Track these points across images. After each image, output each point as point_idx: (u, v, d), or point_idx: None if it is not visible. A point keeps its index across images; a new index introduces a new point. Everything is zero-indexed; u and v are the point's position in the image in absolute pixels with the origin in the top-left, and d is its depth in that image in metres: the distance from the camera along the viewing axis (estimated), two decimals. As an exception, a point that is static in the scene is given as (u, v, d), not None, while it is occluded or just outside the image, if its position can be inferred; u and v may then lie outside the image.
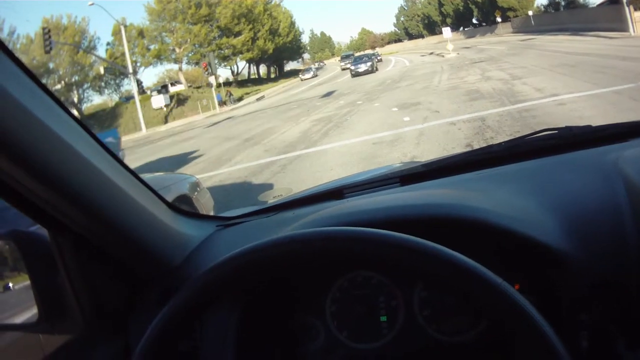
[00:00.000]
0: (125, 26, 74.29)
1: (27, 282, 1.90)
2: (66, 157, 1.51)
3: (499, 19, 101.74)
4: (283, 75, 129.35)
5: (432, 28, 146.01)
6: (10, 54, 1.40)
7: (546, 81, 22.42)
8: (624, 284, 1.46)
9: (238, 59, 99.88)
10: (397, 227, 1.44)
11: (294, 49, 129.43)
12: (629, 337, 1.42)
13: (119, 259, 1.87)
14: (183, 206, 6.93)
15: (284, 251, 1.44)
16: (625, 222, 1.56)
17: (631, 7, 45.58)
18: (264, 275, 1.61)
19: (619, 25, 45.80)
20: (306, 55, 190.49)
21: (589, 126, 2.36)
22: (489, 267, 1.26)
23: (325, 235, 1.43)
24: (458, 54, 59.43)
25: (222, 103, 75.64)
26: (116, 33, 77.81)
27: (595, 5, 75.22)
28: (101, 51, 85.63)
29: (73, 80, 78.11)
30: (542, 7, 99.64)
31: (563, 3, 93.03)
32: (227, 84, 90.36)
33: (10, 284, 2.07)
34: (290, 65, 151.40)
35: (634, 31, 43.25)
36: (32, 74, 1.46)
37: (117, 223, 1.73)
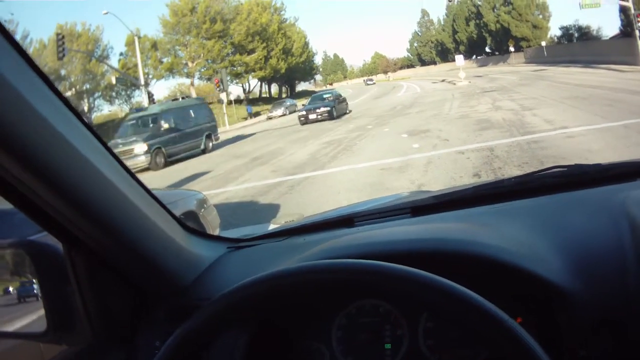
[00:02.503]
0: (139, 37, 74.20)
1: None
2: (85, 172, 1.53)
3: (512, 49, 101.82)
4: (294, 95, 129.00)
5: (444, 55, 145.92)
6: (38, 71, 1.45)
7: (556, 113, 22.46)
8: (623, 323, 1.47)
9: (250, 76, 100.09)
10: (407, 260, 1.47)
11: (306, 70, 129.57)
12: None
13: (130, 274, 1.90)
14: (189, 222, 6.94)
15: (296, 281, 1.47)
16: (628, 262, 1.56)
17: (644, 40, 45.61)
18: (277, 303, 1.64)
19: (631, 58, 45.88)
20: (318, 77, 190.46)
21: (599, 164, 2.37)
22: (494, 300, 1.28)
23: (337, 267, 1.46)
24: (470, 82, 59.41)
25: (251, 115, 76.20)
26: (130, 44, 77.78)
27: (608, 38, 75.44)
28: (114, 61, 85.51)
29: (84, 88, 78.08)
30: (555, 37, 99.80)
31: (576, 35, 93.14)
32: (238, 101, 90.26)
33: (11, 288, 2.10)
34: (302, 86, 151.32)
35: (646, 64, 43.22)
36: (53, 85, 1.51)
37: (131, 240, 1.75)
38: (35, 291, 1.94)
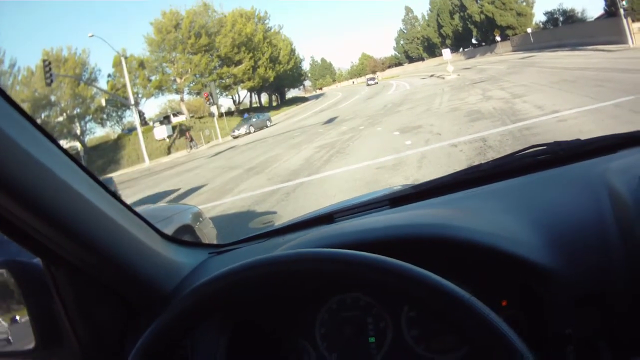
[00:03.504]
0: (126, 57, 74.27)
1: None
2: (57, 189, 1.54)
3: (498, 38, 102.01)
4: (285, 103, 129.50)
5: (432, 50, 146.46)
6: (4, 96, 1.45)
7: (546, 98, 22.47)
8: (609, 298, 1.47)
9: (239, 88, 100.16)
10: (384, 248, 1.48)
11: (295, 77, 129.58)
12: (615, 350, 1.43)
13: (112, 287, 1.89)
14: (186, 236, 6.94)
15: (264, 272, 1.48)
16: (609, 234, 1.56)
17: (629, 19, 45.77)
18: (247, 295, 1.63)
19: (618, 37, 45.98)
20: (307, 82, 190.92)
21: (577, 140, 2.37)
22: (474, 285, 1.27)
23: (300, 256, 1.46)
24: (458, 75, 59.60)
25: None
26: (117, 64, 77.80)
27: (593, 19, 75.60)
28: (102, 83, 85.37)
29: (75, 112, 77.82)
30: (540, 23, 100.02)
31: (561, 19, 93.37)
32: (228, 113, 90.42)
33: (17, 317, 2.06)
34: (291, 93, 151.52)
35: (632, 43, 43.40)
36: (22, 109, 1.50)
37: (109, 252, 1.75)
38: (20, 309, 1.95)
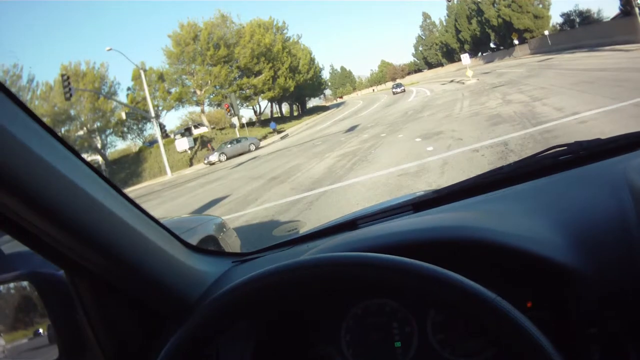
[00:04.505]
0: (145, 70, 74.28)
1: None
2: (81, 201, 1.55)
3: (516, 41, 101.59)
4: (305, 112, 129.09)
5: (450, 55, 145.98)
6: (27, 111, 1.47)
7: (566, 100, 22.31)
8: (633, 296, 1.46)
9: (260, 98, 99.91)
10: (407, 252, 1.49)
11: (315, 86, 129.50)
12: None
13: (136, 297, 1.90)
14: (210, 247, 6.93)
15: (287, 278, 1.49)
16: (632, 231, 1.56)
17: (644, 17, 45.44)
18: (273, 302, 1.65)
19: (634, 36, 45.81)
20: (327, 91, 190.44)
21: (598, 139, 2.37)
22: (499, 286, 1.30)
23: (323, 261, 1.48)
24: (478, 79, 59.37)
25: (276, 131, 75.48)
26: (136, 78, 78.18)
27: (609, 19, 75.03)
28: (122, 96, 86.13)
29: (95, 126, 78.19)
30: (557, 25, 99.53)
31: (578, 20, 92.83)
32: (250, 124, 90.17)
33: (41, 330, 2.07)
34: (312, 102, 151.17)
35: (649, 41, 43.05)
36: (44, 123, 1.52)
37: (131, 262, 1.75)
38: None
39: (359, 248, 1.87)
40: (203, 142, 74.46)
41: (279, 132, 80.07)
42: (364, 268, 1.40)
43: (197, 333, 1.53)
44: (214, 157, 63.69)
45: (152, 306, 1.94)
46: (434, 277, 1.32)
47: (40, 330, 2.05)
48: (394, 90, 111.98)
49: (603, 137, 2.46)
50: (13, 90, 1.43)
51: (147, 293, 1.89)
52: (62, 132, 69.84)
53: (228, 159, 61.23)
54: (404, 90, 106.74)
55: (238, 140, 66.31)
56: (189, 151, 73.31)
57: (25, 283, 2.00)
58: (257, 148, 63.12)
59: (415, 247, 1.82)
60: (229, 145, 64.93)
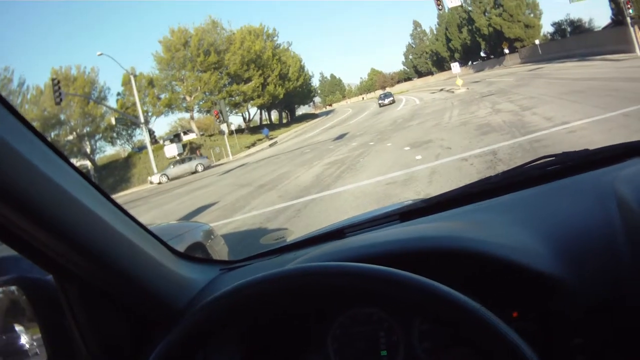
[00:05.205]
0: (135, 76, 74.51)
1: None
2: (69, 206, 1.55)
3: (506, 50, 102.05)
4: (295, 120, 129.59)
5: (441, 64, 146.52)
6: (18, 115, 1.46)
7: (555, 109, 22.46)
8: (618, 307, 1.47)
9: (249, 105, 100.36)
10: (394, 261, 1.51)
11: (304, 93, 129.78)
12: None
13: (125, 303, 1.90)
14: (197, 254, 6.93)
15: (274, 287, 1.50)
16: (618, 243, 1.57)
17: (636, 27, 45.80)
18: (260, 310, 1.66)
19: (625, 46, 46.13)
20: (317, 99, 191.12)
21: (586, 150, 2.39)
22: (485, 296, 1.32)
23: (309, 270, 1.49)
24: (468, 88, 59.62)
25: (268, 137, 75.56)
26: (126, 83, 78.41)
27: (600, 29, 75.55)
28: (112, 101, 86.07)
29: (85, 131, 78.49)
30: (548, 34, 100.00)
31: (569, 29, 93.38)
32: (239, 130, 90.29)
33: (29, 335, 2.06)
34: (301, 110, 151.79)
35: (640, 51, 43.36)
36: (33, 127, 1.51)
37: (118, 268, 1.75)
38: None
39: (345, 257, 1.88)
40: (192, 149, 74.55)
41: (271, 138, 79.92)
42: (350, 278, 1.42)
43: (185, 340, 1.54)
44: (155, 178, 61.54)
45: (139, 312, 1.95)
46: (418, 287, 1.33)
47: (28, 335, 2.04)
48: (380, 102, 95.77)
49: (592, 146, 2.47)
50: (3, 93, 1.43)
51: (134, 299, 1.89)
52: (52, 136, 70.28)
53: (170, 180, 59.17)
54: (393, 101, 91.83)
55: (183, 160, 64.04)
56: (178, 157, 73.26)
57: (13, 287, 1.99)
58: (205, 169, 60.45)
59: (402, 257, 1.82)
60: (172, 166, 62.47)
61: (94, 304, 1.83)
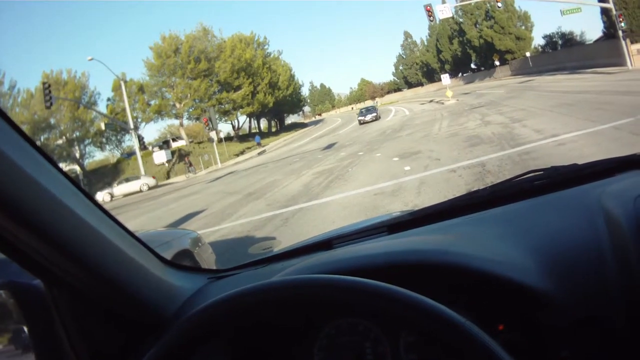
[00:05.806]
0: (126, 82, 75.00)
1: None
2: (57, 211, 1.56)
3: (497, 62, 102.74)
4: (284, 128, 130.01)
5: (431, 75, 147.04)
6: (6, 118, 1.46)
7: (545, 122, 22.64)
8: (605, 320, 1.48)
9: (239, 113, 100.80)
10: (381, 274, 1.51)
11: (294, 102, 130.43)
12: None
13: (112, 309, 1.88)
14: (185, 261, 6.90)
15: (262, 298, 1.51)
16: (605, 257, 1.60)
17: (628, 41, 46.18)
18: (248, 320, 1.67)
19: (617, 59, 46.53)
20: (306, 108, 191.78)
21: (575, 165, 2.41)
22: (471, 309, 1.36)
23: (298, 282, 1.50)
24: (457, 100, 60.12)
25: (259, 144, 76.24)
26: (116, 88, 78.60)
27: (592, 42, 76.07)
28: (102, 107, 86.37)
29: (74, 135, 79.10)
30: (539, 47, 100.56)
31: (560, 42, 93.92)
32: (228, 138, 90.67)
33: (17, 339, 2.04)
34: (291, 119, 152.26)
35: (631, 65, 43.88)
36: (22, 131, 1.51)
37: (108, 275, 1.75)
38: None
39: (333, 269, 1.89)
40: (181, 156, 74.75)
41: (263, 146, 79.95)
42: (337, 291, 1.44)
43: (172, 350, 1.54)
44: (99, 196, 59.58)
45: (127, 319, 1.94)
46: (403, 300, 1.35)
47: (16, 340, 2.03)
48: (361, 118, 77.41)
49: (582, 159, 2.48)
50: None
51: (121, 306, 1.89)
52: (42, 140, 71.01)
53: (113, 199, 59.16)
54: (377, 118, 75.02)
55: (127, 179, 63.77)
56: (167, 164, 73.60)
57: (1, 291, 1.97)
58: (150, 188, 60.22)
59: (389, 269, 1.84)
60: (116, 184, 62.61)
61: (83, 310, 1.82)
